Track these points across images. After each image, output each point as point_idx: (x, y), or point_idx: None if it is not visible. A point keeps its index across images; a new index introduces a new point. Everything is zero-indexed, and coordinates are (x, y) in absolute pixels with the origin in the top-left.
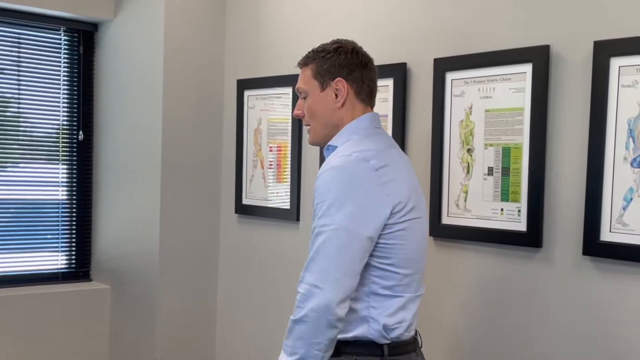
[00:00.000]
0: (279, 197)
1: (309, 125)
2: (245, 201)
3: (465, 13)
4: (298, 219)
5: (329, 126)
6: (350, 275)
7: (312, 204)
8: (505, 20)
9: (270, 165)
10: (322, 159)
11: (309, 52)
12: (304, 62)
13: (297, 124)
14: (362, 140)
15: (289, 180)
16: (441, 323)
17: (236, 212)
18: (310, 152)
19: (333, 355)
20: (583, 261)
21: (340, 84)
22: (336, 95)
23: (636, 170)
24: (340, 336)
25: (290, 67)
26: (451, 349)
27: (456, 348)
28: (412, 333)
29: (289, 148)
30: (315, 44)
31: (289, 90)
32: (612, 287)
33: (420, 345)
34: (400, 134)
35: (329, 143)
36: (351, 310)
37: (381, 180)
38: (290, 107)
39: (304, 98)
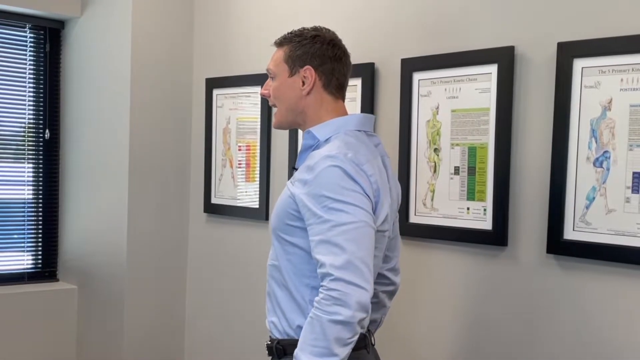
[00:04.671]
0: (248, 196)
1: (275, 106)
2: (214, 200)
3: (431, 14)
4: (267, 218)
5: (294, 112)
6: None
7: (307, 194)
8: (471, 21)
9: (240, 164)
10: (291, 157)
11: (287, 33)
12: (279, 43)
13: (266, 123)
14: (352, 144)
15: (258, 179)
16: (407, 320)
17: (205, 211)
18: (279, 151)
19: (279, 357)
20: (547, 259)
21: (309, 73)
22: (303, 83)
23: (598, 169)
24: (283, 337)
25: (259, 66)
26: (416, 346)
27: (421, 345)
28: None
29: (258, 147)
30: None
31: (258, 89)
32: (575, 284)
33: (373, 343)
34: None
35: (311, 129)
36: (296, 303)
37: (373, 187)
38: (259, 106)
39: (272, 78)
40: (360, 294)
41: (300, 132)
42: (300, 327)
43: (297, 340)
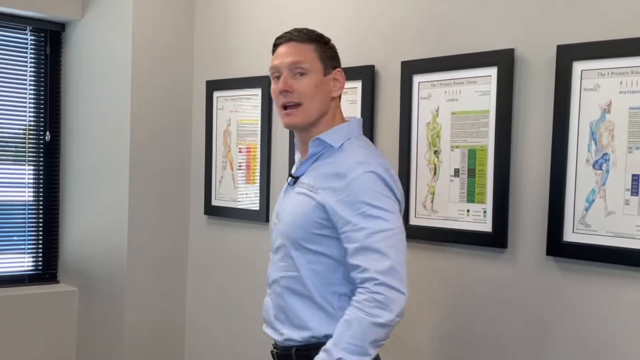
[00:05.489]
0: (249, 198)
1: (298, 104)
2: (214, 202)
3: (432, 16)
4: (267, 220)
5: (320, 112)
6: None
7: (339, 201)
8: (471, 24)
9: (240, 166)
10: (291, 159)
11: (304, 30)
12: (302, 39)
13: (267, 125)
14: (370, 148)
15: (259, 181)
16: (406, 322)
17: (205, 213)
18: (279, 153)
19: None
20: (547, 261)
21: (340, 75)
22: (332, 85)
23: (598, 172)
24: (310, 341)
25: (259, 68)
26: (415, 347)
27: (420, 347)
28: None
29: (259, 149)
30: None
31: (259, 91)
32: (575, 286)
33: None
34: (368, 136)
35: (320, 137)
36: (325, 313)
37: (400, 191)
38: (260, 108)
39: (300, 74)
40: (402, 299)
41: None
42: (327, 337)
43: (323, 344)
